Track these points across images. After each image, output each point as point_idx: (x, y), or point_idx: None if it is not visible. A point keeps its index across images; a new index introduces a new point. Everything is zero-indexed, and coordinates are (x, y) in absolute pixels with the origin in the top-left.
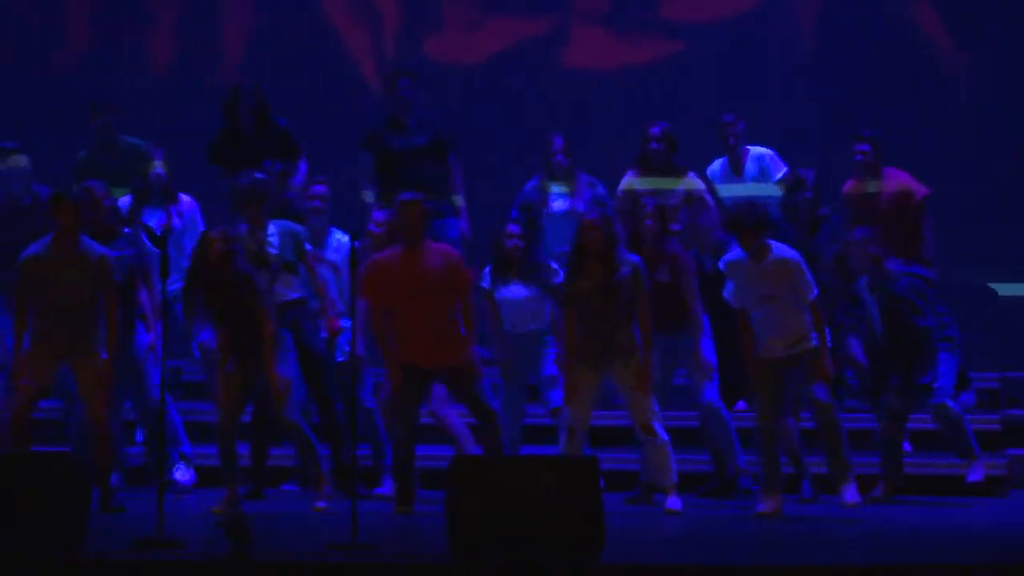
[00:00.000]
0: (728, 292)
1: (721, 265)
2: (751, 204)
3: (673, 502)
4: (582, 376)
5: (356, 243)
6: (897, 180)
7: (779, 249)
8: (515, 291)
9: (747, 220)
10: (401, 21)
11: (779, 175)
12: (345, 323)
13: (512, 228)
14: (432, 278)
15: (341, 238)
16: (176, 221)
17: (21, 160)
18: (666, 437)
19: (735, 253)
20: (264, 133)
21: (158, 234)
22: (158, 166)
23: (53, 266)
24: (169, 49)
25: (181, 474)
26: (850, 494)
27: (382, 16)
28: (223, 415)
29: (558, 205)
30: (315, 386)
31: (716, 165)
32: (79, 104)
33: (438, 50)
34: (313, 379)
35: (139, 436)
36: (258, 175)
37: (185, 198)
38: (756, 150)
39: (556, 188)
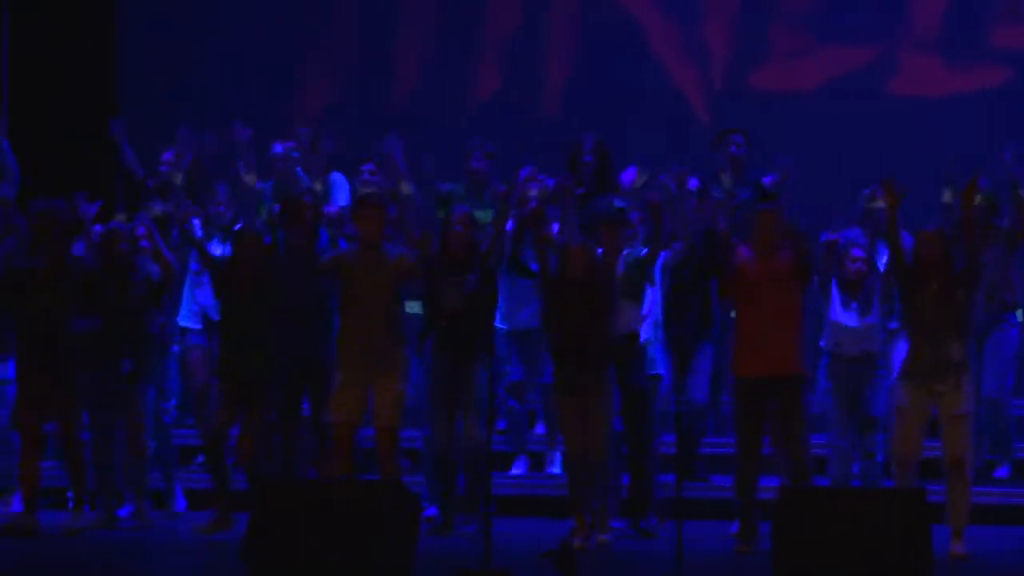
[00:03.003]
0: None
1: None
2: None
3: (958, 546)
4: (914, 401)
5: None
6: None
7: None
8: (854, 314)
9: None
10: (728, 51)
11: None
12: None
13: (856, 252)
14: (782, 279)
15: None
16: None
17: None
18: (972, 476)
19: None
20: (605, 191)
21: None
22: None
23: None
24: (494, 80)
25: None
26: None
27: (708, 46)
28: (568, 448)
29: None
30: (633, 423)
31: None
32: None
33: (764, 80)
34: (632, 416)
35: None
36: (617, 201)
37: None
38: None
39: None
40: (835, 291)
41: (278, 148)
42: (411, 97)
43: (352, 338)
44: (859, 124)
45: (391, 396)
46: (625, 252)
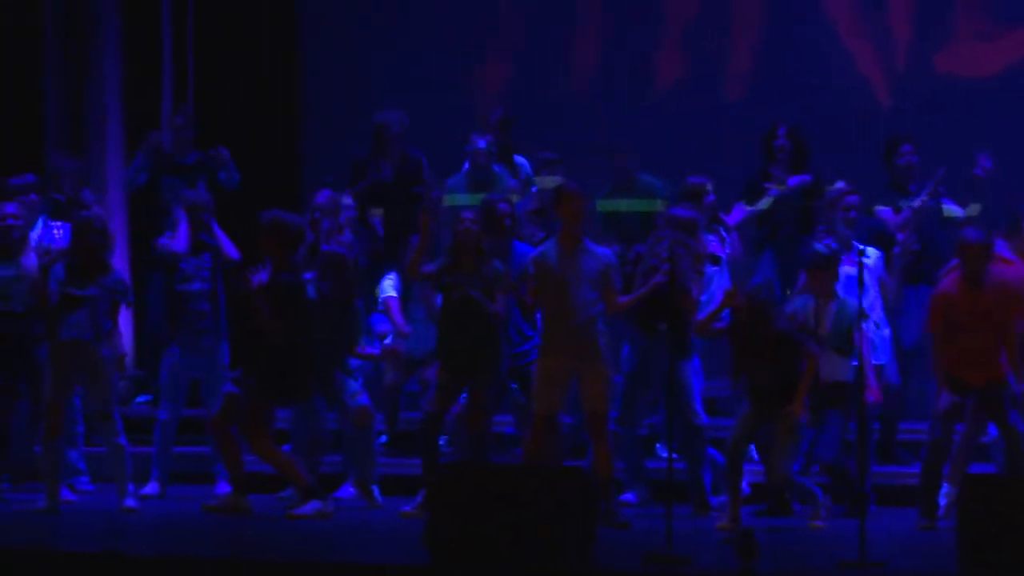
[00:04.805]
0: None
1: None
2: None
3: None
4: None
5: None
6: None
7: None
8: None
9: None
10: (911, 34)
11: None
12: None
13: None
14: (993, 315)
15: (871, 252)
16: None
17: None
18: None
19: None
20: (800, 174)
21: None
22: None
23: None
24: (677, 66)
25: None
26: None
27: (891, 29)
28: (733, 437)
29: None
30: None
31: None
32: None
33: (948, 63)
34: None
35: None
36: (828, 241)
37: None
38: None
39: None
40: None
41: (481, 144)
42: (591, 83)
43: (555, 327)
44: None
45: (600, 383)
46: (837, 304)
